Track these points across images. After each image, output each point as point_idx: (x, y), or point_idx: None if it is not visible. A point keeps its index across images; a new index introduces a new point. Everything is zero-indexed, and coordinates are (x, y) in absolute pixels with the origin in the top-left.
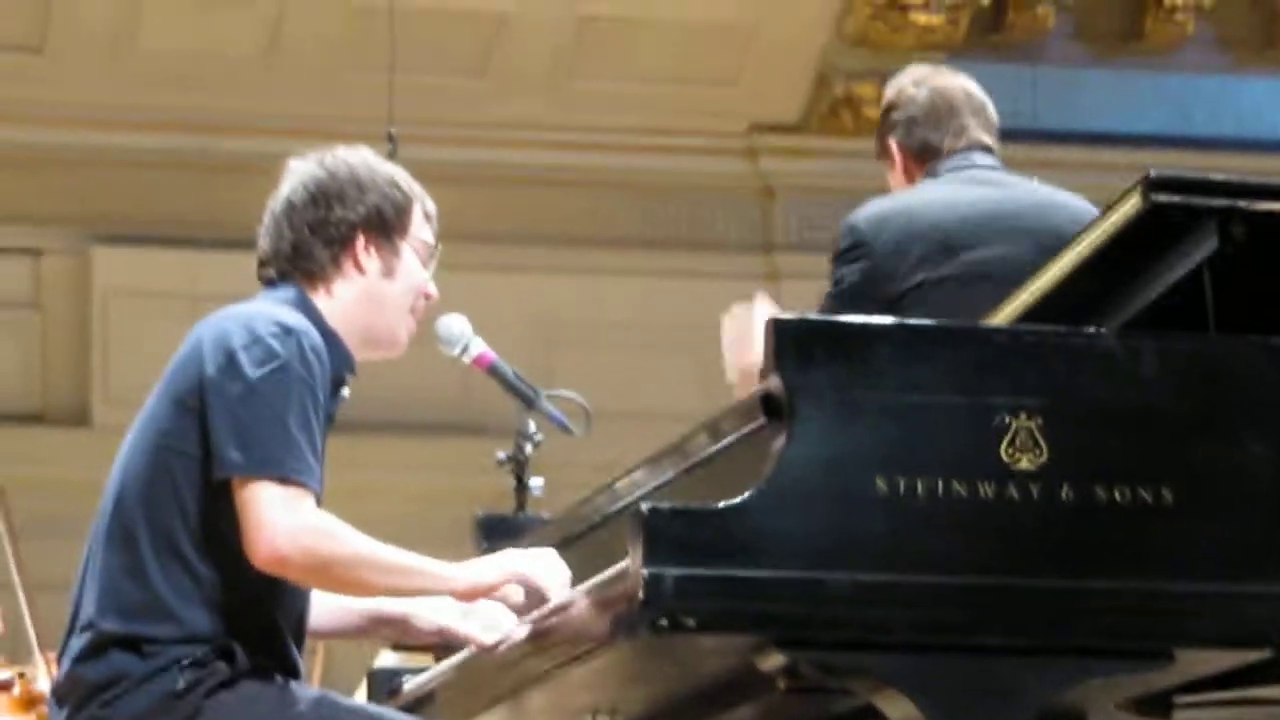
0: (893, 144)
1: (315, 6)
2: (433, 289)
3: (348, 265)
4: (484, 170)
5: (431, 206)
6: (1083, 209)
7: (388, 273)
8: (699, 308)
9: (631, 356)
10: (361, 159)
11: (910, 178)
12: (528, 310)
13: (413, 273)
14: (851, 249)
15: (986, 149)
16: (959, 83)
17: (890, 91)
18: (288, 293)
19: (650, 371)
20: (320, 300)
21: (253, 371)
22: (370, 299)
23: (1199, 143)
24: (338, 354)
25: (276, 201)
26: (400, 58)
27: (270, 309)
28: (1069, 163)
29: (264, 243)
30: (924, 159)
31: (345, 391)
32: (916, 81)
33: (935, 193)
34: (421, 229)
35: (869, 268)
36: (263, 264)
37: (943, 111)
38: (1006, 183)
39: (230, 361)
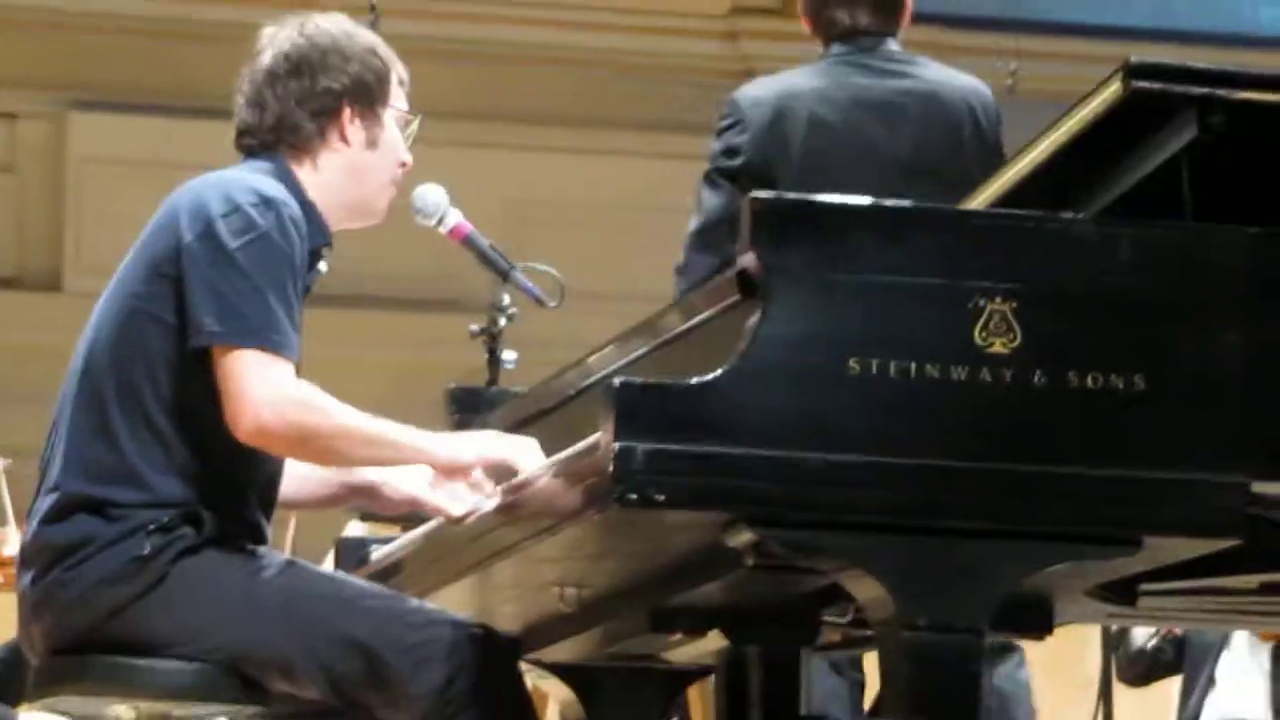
0: (805, 18)
1: None
2: (407, 156)
3: (333, 137)
4: (464, 46)
5: (404, 73)
6: (972, 92)
7: (371, 143)
8: (676, 189)
9: (607, 236)
10: (340, 27)
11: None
12: (504, 187)
13: (395, 142)
14: (731, 126)
15: (886, 22)
16: None
17: None
18: (267, 163)
19: (625, 252)
20: (303, 172)
21: (232, 241)
22: (354, 170)
23: (1180, 36)
24: (315, 227)
25: (257, 71)
26: None
27: (249, 177)
28: (1050, 53)
29: (246, 114)
30: (829, 35)
31: (323, 265)
32: None
33: (823, 78)
34: (399, 97)
35: (744, 145)
36: (242, 134)
37: None
38: (896, 70)
39: (209, 230)
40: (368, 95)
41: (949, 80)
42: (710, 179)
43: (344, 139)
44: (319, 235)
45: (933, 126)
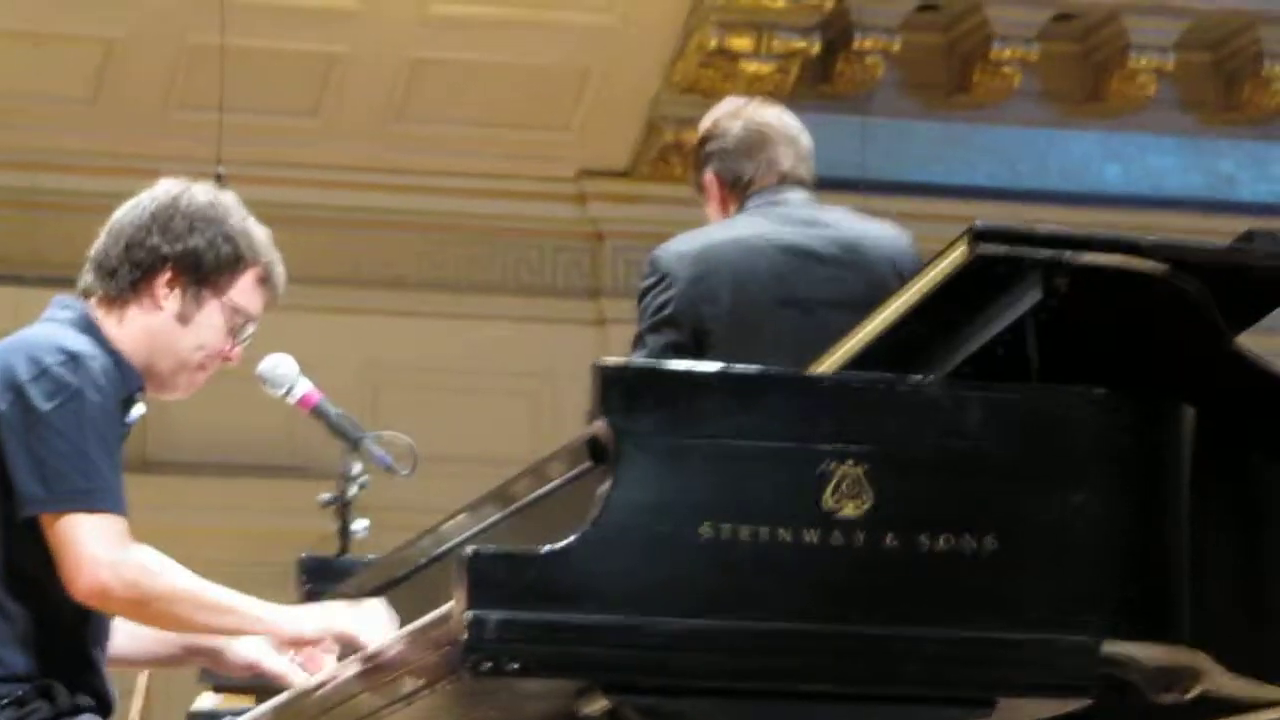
0: (707, 176)
1: (145, 44)
2: (235, 353)
3: (145, 295)
4: (314, 211)
5: (279, 277)
6: (891, 242)
7: (183, 319)
8: (528, 352)
9: (460, 400)
10: (219, 203)
11: (725, 210)
12: (356, 353)
13: (211, 330)
14: (657, 283)
15: (799, 181)
16: (773, 114)
17: (706, 122)
18: (71, 311)
19: (478, 416)
20: (109, 324)
21: (45, 405)
22: (157, 337)
23: (1025, 195)
24: (127, 372)
25: (123, 207)
26: (230, 97)
27: (51, 334)
28: (897, 213)
29: (95, 244)
30: (737, 191)
31: (139, 408)
32: (731, 113)
33: (744, 230)
34: (247, 295)
35: (673, 300)
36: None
37: (755, 143)
38: (815, 220)
39: (20, 397)
40: (195, 272)
41: (864, 230)
42: (653, 329)
43: (155, 302)
44: (132, 380)
45: (850, 284)
